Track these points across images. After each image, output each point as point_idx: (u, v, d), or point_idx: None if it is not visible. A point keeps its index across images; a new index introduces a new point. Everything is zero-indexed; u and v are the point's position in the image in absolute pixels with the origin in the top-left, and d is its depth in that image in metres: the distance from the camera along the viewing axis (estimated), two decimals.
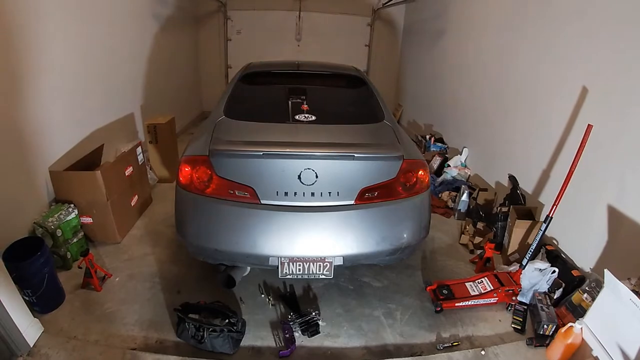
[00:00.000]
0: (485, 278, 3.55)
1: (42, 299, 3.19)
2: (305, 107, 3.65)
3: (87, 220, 3.97)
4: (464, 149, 5.91)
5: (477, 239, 4.35)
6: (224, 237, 2.99)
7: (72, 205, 3.84)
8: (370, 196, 3.05)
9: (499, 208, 4.37)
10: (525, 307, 3.36)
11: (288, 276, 3.08)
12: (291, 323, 3.18)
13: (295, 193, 2.99)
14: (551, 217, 3.38)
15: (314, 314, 3.27)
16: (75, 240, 3.82)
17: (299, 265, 3.04)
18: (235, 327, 2.99)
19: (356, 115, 3.85)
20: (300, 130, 3.40)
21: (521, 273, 3.48)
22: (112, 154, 4.87)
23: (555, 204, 3.35)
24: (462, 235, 4.50)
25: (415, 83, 8.78)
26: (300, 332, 3.15)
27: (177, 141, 6.07)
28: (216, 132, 3.24)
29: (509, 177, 4.65)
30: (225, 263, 3.34)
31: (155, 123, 5.30)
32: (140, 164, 4.60)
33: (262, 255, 2.99)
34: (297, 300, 3.49)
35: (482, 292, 3.44)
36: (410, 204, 3.15)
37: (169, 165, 5.63)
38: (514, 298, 3.41)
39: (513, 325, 3.25)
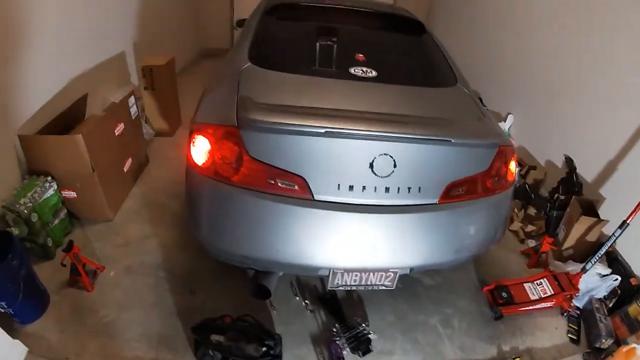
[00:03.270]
0: (545, 279, 2.96)
1: (22, 308, 2.36)
2: (360, 56, 2.70)
3: (70, 194, 2.97)
4: (509, 115, 4.85)
5: (529, 227, 3.63)
6: (258, 243, 2.13)
7: (49, 179, 2.83)
8: (457, 193, 2.21)
9: (556, 195, 3.61)
10: (579, 313, 2.91)
11: (340, 287, 2.31)
12: (337, 339, 2.44)
13: (363, 188, 2.09)
14: (628, 224, 2.70)
15: (363, 325, 2.55)
16: (56, 221, 2.86)
17: (356, 275, 2.25)
18: (272, 352, 2.24)
19: (423, 72, 2.92)
20: (361, 91, 2.46)
21: (581, 276, 2.89)
22: (99, 105, 3.75)
23: (635, 210, 2.65)
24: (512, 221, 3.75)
25: (450, 30, 7.03)
26: (349, 350, 2.43)
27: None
28: (243, 88, 2.26)
29: (565, 159, 3.82)
30: (255, 268, 2.47)
31: (152, 65, 4.11)
32: (133, 117, 3.53)
33: (310, 266, 2.19)
34: (340, 305, 2.71)
35: (542, 296, 2.88)
36: (498, 201, 2.36)
37: (168, 115, 4.50)
38: (571, 304, 2.88)
39: (569, 335, 2.77)
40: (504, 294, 2.87)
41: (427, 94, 2.59)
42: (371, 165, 2.04)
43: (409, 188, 2.13)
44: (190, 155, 2.15)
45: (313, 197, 2.07)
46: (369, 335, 2.49)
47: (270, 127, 1.95)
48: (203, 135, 2.10)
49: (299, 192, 2.06)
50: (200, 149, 2.10)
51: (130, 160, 3.49)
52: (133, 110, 3.48)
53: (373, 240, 2.14)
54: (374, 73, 2.57)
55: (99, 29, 3.97)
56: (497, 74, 5.28)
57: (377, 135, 1.99)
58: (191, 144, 2.14)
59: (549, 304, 2.83)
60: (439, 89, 2.68)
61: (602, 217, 3.14)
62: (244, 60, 2.54)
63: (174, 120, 4.58)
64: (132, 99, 3.46)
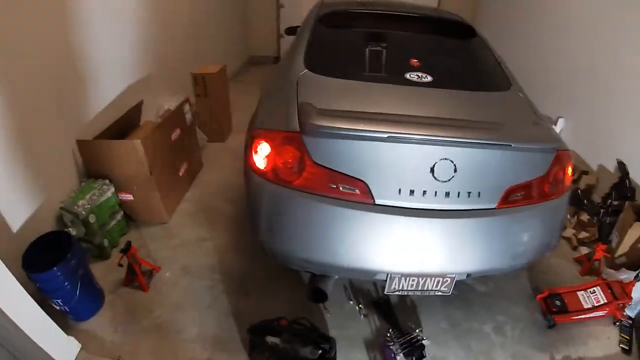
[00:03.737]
0: (598, 288, 2.75)
1: (77, 306, 2.32)
2: (414, 61, 2.58)
3: (127, 197, 2.95)
4: (560, 119, 4.51)
5: (582, 234, 3.39)
6: (318, 246, 2.04)
7: (106, 182, 2.81)
8: (515, 198, 2.09)
9: (609, 201, 3.37)
10: (631, 323, 2.67)
11: (396, 292, 2.18)
12: (391, 345, 2.29)
13: (424, 192, 1.98)
14: None
15: (417, 331, 2.38)
16: (113, 222, 2.84)
17: (413, 280, 2.13)
18: (327, 355, 2.14)
19: (477, 77, 2.76)
20: (418, 96, 2.35)
21: (634, 285, 2.68)
22: (153, 111, 3.75)
23: None
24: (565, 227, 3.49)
25: (495, 32, 6.14)
26: (402, 356, 2.28)
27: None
28: (302, 94, 2.20)
29: (617, 164, 3.57)
30: (312, 271, 2.37)
31: (205, 73, 4.08)
32: (188, 124, 3.50)
33: (369, 271, 2.09)
34: (393, 310, 2.57)
35: (595, 304, 2.68)
36: (555, 206, 2.21)
37: (220, 122, 4.44)
38: (624, 313, 2.67)
39: (621, 345, 2.56)
40: (557, 302, 2.70)
41: (482, 98, 2.46)
42: (432, 170, 1.95)
43: (469, 193, 2.02)
44: (252, 160, 2.09)
45: (374, 201, 1.98)
46: (423, 341, 2.33)
47: (333, 133, 1.87)
48: (265, 141, 2.04)
49: (360, 196, 1.98)
50: (262, 154, 2.04)
51: (185, 164, 3.45)
52: (188, 117, 3.45)
53: (432, 244, 2.04)
54: (429, 78, 2.45)
55: (153, 38, 3.98)
56: (547, 76, 4.92)
57: (438, 140, 1.88)
58: (252, 149, 2.08)
59: (601, 313, 2.64)
60: (494, 93, 2.53)
61: None
62: (300, 67, 2.47)
63: (225, 127, 4.54)
64: (186, 106, 3.43)
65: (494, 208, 2.06)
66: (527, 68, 5.04)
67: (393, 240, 2.00)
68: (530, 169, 2.09)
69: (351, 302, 2.61)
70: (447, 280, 2.14)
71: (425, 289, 2.18)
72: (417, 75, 2.44)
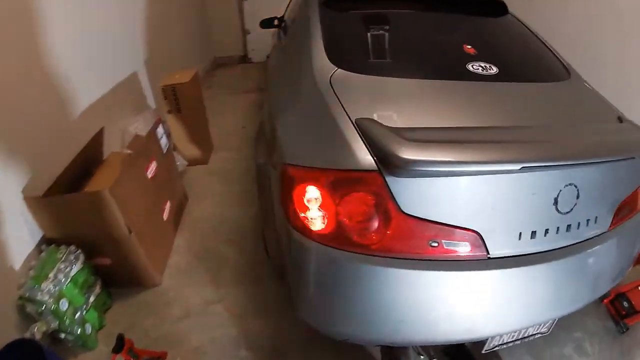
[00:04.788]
0: None
1: None
2: (469, 48, 1.91)
3: (103, 261, 2.10)
4: None
5: None
6: (412, 325, 1.38)
7: (72, 248, 1.97)
8: (623, 214, 1.62)
9: None
10: None
11: (495, 349, 1.66)
12: None
13: (546, 231, 1.38)
14: None
15: None
16: (91, 299, 2.01)
17: (515, 332, 1.58)
18: None
19: (536, 65, 2.11)
20: (496, 96, 1.70)
21: None
22: (118, 137, 2.82)
23: None
24: None
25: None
26: None
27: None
28: (350, 105, 1.47)
29: None
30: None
31: (174, 83, 3.08)
32: (165, 151, 2.59)
33: (469, 339, 1.55)
34: (472, 354, 1.90)
35: None
36: None
37: (199, 140, 3.46)
38: None
39: None
40: (625, 304, 2.34)
41: (556, 92, 1.86)
42: (556, 201, 1.35)
43: (588, 220, 1.47)
44: (296, 216, 1.35)
45: (488, 254, 1.33)
46: None
47: (440, 170, 1.19)
48: (315, 185, 1.31)
49: (470, 251, 1.32)
50: (315, 208, 1.31)
51: (168, 204, 2.57)
52: (163, 142, 2.56)
53: (547, 292, 1.47)
54: (495, 69, 1.80)
55: (105, 52, 3.00)
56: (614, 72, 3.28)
57: (567, 163, 1.30)
58: (293, 201, 1.34)
59: None
60: (560, 84, 1.92)
61: None
62: (325, 65, 1.72)
63: (206, 145, 3.58)
64: (160, 129, 2.54)
65: (607, 231, 1.55)
66: (594, 53, 3.44)
67: (507, 298, 1.40)
68: (633, 177, 1.62)
69: (422, 357, 1.93)
70: (549, 322, 1.62)
71: (525, 336, 1.64)
72: (481, 66, 1.79)
